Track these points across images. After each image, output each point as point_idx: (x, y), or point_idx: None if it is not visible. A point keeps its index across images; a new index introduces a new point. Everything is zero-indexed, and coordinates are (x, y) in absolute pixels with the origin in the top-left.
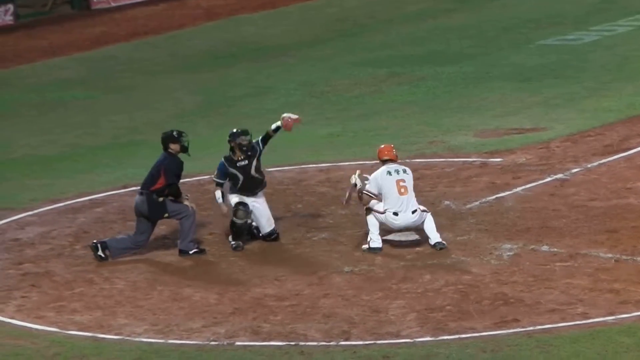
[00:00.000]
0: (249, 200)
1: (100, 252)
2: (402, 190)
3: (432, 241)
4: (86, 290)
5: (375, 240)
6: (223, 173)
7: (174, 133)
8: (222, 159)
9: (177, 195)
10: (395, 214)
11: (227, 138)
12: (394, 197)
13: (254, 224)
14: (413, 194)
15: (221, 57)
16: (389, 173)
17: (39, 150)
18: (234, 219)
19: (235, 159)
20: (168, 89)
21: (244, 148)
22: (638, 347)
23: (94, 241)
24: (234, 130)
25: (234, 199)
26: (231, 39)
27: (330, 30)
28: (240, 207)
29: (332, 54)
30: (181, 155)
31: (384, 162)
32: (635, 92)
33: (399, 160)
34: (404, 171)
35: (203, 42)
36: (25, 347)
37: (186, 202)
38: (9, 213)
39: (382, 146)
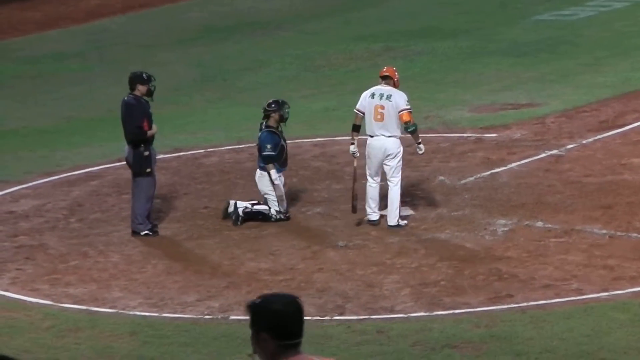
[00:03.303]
0: (282, 175)
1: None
2: (379, 116)
3: (388, 222)
4: (80, 264)
5: (369, 213)
6: (275, 145)
7: (144, 75)
8: (266, 131)
9: (143, 140)
10: (371, 136)
11: (268, 107)
12: (369, 120)
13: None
14: (393, 121)
15: (217, 30)
16: (372, 96)
17: (34, 123)
18: (275, 216)
19: (279, 129)
20: (163, 62)
21: (285, 119)
22: (632, 323)
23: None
24: (277, 100)
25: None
26: (227, 12)
27: (326, 4)
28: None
29: (327, 28)
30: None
31: (383, 79)
32: (630, 67)
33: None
34: (387, 97)
35: (199, 15)
36: (19, 320)
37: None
38: (4, 186)
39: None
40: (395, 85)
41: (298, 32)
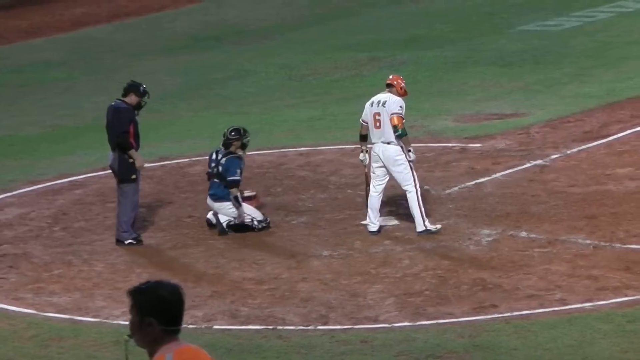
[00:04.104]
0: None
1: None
2: (377, 124)
3: (417, 229)
4: (64, 272)
5: (368, 223)
6: (241, 170)
7: (141, 88)
8: (232, 157)
9: (126, 148)
10: (373, 144)
11: (230, 136)
12: (370, 129)
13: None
14: (391, 129)
15: (202, 39)
16: (372, 104)
17: (19, 131)
18: (257, 226)
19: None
20: (149, 71)
21: (246, 147)
22: (615, 334)
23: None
24: (239, 128)
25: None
26: (213, 21)
27: (312, 14)
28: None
29: (313, 38)
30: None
31: (387, 87)
32: (615, 78)
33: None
34: (383, 104)
35: (184, 24)
36: (3, 329)
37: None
38: None
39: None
40: (399, 94)
41: (283, 41)
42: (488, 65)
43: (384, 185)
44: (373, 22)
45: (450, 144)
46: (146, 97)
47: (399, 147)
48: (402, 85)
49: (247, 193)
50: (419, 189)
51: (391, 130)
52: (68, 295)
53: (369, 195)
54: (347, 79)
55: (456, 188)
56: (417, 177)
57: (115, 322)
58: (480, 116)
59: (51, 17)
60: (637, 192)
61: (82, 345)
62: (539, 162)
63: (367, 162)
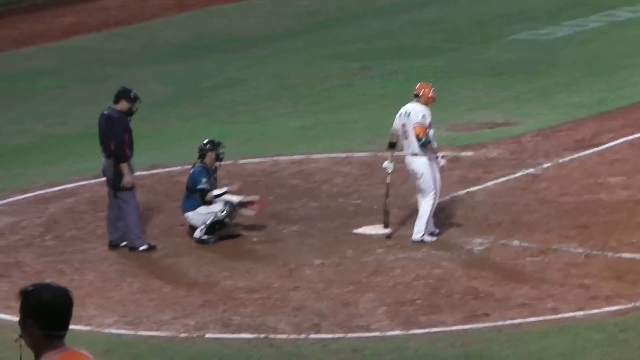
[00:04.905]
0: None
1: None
2: (405, 135)
3: (413, 236)
4: (56, 281)
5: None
6: (208, 179)
7: (132, 94)
8: (199, 168)
9: (121, 159)
10: (405, 156)
11: (204, 147)
12: (401, 139)
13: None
14: (413, 139)
15: (193, 48)
16: (400, 115)
17: (9, 140)
18: (227, 219)
19: (212, 168)
20: (140, 80)
21: (221, 159)
22: (607, 343)
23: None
24: (213, 140)
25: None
26: (203, 30)
27: (302, 23)
28: (232, 210)
29: (303, 47)
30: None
31: (415, 96)
32: (606, 87)
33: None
34: (407, 115)
35: (175, 34)
36: None
37: (128, 177)
38: None
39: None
40: (425, 102)
41: (274, 51)
42: (479, 75)
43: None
44: (363, 32)
45: (442, 152)
46: (137, 103)
47: (425, 159)
48: (430, 94)
49: (250, 198)
50: (435, 203)
51: (416, 141)
52: None
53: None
54: (338, 88)
55: (448, 197)
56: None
57: (106, 330)
58: (471, 125)
59: (41, 26)
60: (629, 201)
61: None
62: (530, 171)
63: (390, 171)
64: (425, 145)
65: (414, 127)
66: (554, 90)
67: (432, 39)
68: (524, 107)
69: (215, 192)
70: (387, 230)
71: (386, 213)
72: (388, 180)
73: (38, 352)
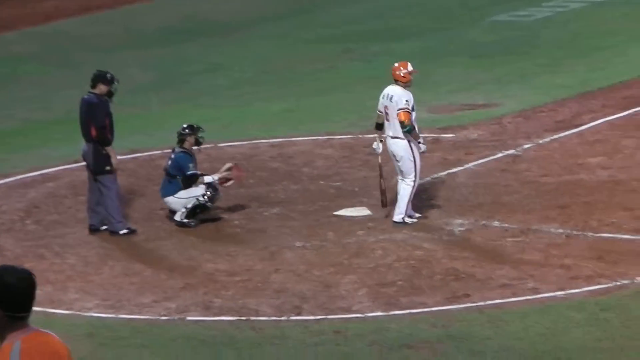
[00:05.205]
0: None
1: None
2: (387, 117)
3: (394, 217)
4: (36, 265)
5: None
6: (194, 163)
7: (108, 75)
8: (180, 153)
9: (104, 143)
10: (386, 137)
11: (182, 132)
12: (384, 120)
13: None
14: (395, 122)
15: (175, 33)
16: (383, 97)
17: None
18: (209, 203)
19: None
20: (121, 65)
21: (200, 143)
22: (587, 322)
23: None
24: (192, 124)
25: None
26: (186, 14)
27: (285, 7)
28: (214, 194)
29: (286, 31)
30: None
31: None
32: (587, 68)
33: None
34: (390, 99)
35: (157, 18)
36: None
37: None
38: None
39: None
40: (403, 84)
41: (256, 35)
42: (460, 57)
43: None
44: (345, 15)
45: (423, 134)
46: (115, 84)
47: (406, 142)
48: (402, 73)
49: (221, 174)
50: (416, 185)
51: (398, 126)
52: (40, 288)
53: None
54: (321, 71)
55: (429, 178)
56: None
57: (87, 314)
58: (452, 107)
59: (22, 11)
60: (609, 181)
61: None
62: (511, 152)
63: (380, 151)
64: (409, 131)
65: (398, 114)
66: (535, 72)
67: (413, 21)
68: (505, 89)
69: (207, 179)
70: (368, 212)
71: (383, 193)
72: (379, 160)
73: (1, 333)
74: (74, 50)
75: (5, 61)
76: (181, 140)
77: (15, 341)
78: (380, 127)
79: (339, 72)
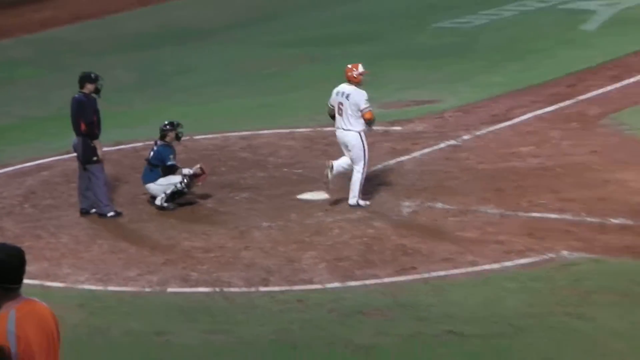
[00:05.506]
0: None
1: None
2: (340, 111)
3: (349, 201)
4: (34, 244)
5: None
6: (174, 155)
7: (92, 75)
8: (162, 145)
9: (92, 137)
10: (337, 128)
11: (164, 128)
12: (336, 115)
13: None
14: (350, 117)
15: (154, 38)
16: (337, 94)
17: None
18: (185, 189)
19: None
20: (107, 67)
21: (180, 138)
22: (520, 291)
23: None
24: (172, 121)
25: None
26: (162, 22)
27: (251, 14)
28: (190, 181)
29: (253, 36)
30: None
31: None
32: (519, 69)
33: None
34: (347, 96)
35: (138, 25)
36: None
37: (100, 151)
38: None
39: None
40: (356, 83)
41: (226, 40)
42: (408, 59)
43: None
44: (306, 22)
45: (375, 127)
46: (100, 81)
47: (358, 134)
48: (355, 74)
49: (194, 170)
50: (365, 172)
51: (352, 119)
52: (37, 264)
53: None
54: (283, 72)
55: (380, 166)
56: (368, 159)
57: (79, 286)
58: (401, 103)
59: (19, 20)
60: (538, 167)
61: (51, 308)
62: (452, 142)
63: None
64: (372, 125)
65: (364, 114)
66: (473, 72)
67: (368, 27)
68: (447, 87)
69: (184, 170)
70: (326, 195)
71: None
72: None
73: None
74: (65, 55)
75: (3, 65)
76: (163, 135)
77: (11, 310)
78: (334, 117)
79: (299, 73)
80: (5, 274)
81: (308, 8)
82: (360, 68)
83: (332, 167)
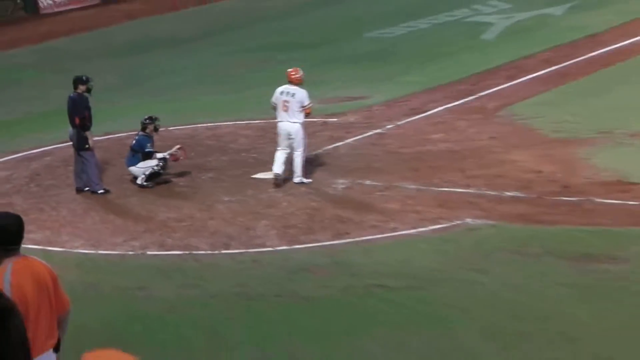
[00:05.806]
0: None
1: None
2: (285, 108)
3: (294, 179)
4: (38, 217)
5: (275, 169)
6: (152, 144)
7: (83, 77)
8: (141, 135)
9: (84, 128)
10: (280, 121)
11: (144, 121)
12: (279, 110)
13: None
14: (295, 112)
15: (138, 47)
16: (281, 93)
17: (1, 117)
18: (161, 170)
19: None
20: (99, 70)
21: (158, 130)
22: (433, 252)
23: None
24: (151, 115)
25: (159, 155)
26: (147, 33)
27: (222, 25)
28: (164, 164)
29: (222, 43)
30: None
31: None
32: (435, 70)
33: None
34: (292, 95)
35: (125, 36)
36: None
37: (91, 141)
38: None
39: (290, 70)
40: (299, 84)
41: (199, 47)
42: (344, 63)
43: (288, 148)
44: (262, 32)
45: (315, 119)
46: (91, 81)
47: (300, 125)
48: (296, 76)
49: (173, 150)
50: (305, 155)
51: (296, 114)
52: (41, 233)
53: (276, 153)
54: (243, 74)
55: (320, 150)
56: (307, 145)
57: (75, 251)
58: (337, 99)
59: (25, 33)
60: (447, 151)
61: (53, 268)
62: (378, 131)
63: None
64: (307, 117)
65: (306, 109)
66: (395, 73)
67: (309, 36)
68: (374, 86)
69: (159, 155)
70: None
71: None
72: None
73: None
74: (63, 61)
75: (11, 70)
76: (143, 127)
77: (9, 264)
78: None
79: (256, 74)
80: (5, 237)
81: (264, 20)
82: (300, 71)
83: (278, 174)
